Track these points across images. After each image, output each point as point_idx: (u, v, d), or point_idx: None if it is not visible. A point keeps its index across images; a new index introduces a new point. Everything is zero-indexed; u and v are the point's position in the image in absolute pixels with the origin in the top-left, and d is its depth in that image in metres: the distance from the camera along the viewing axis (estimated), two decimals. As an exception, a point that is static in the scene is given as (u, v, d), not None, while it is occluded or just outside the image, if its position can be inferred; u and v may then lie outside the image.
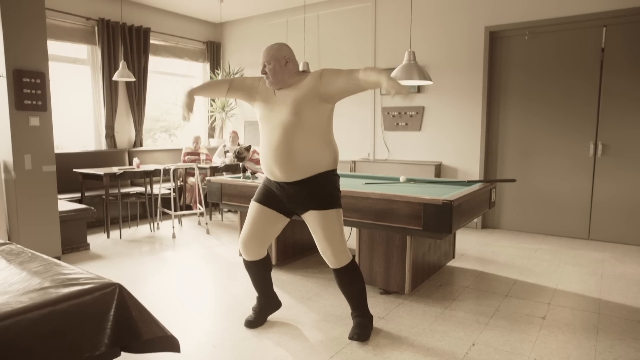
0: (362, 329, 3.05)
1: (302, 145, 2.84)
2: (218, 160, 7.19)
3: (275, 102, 2.93)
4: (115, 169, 6.10)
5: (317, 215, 2.90)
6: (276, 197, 3.02)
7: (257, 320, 3.27)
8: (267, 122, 2.94)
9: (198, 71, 8.84)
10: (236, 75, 8.46)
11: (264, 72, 2.91)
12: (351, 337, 3.02)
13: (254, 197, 3.12)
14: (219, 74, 8.15)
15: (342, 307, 3.59)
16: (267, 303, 3.34)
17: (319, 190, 2.90)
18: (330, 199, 2.92)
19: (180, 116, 3.18)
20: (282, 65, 2.89)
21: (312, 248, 4.94)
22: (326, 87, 2.81)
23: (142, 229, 6.29)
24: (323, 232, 2.91)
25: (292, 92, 2.89)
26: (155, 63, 7.96)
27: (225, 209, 7.44)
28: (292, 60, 2.94)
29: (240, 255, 4.67)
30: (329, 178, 2.95)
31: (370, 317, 3.14)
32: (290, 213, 3.08)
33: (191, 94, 3.04)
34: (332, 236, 2.91)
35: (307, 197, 2.90)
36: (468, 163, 6.25)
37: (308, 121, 2.83)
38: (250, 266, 3.22)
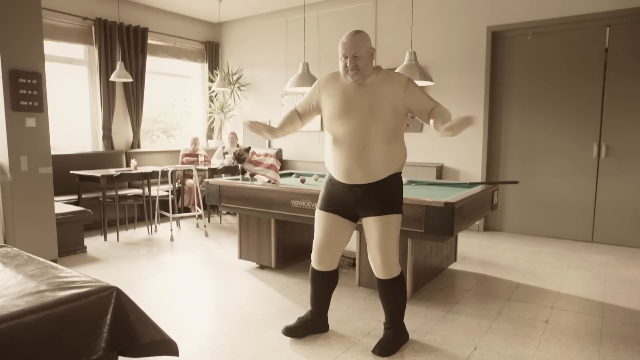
0: (388, 343, 2.93)
1: (383, 143, 2.71)
2: (217, 162, 7.14)
3: (353, 98, 2.75)
4: (112, 171, 6.05)
5: (379, 220, 2.76)
6: (342, 202, 2.85)
7: (297, 330, 3.10)
8: (344, 120, 2.74)
9: (196, 72, 8.80)
10: (235, 76, 8.44)
11: (353, 65, 2.68)
12: (373, 350, 2.90)
13: (319, 205, 2.96)
14: (217, 75, 8.11)
15: (341, 310, 3.55)
16: (316, 321, 3.17)
17: (388, 192, 2.77)
18: (395, 203, 2.80)
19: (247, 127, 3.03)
20: (370, 56, 2.74)
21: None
22: (409, 99, 2.72)
23: (140, 232, 6.25)
24: (379, 237, 2.77)
25: (375, 88, 2.73)
26: (153, 63, 7.92)
27: (224, 212, 7.39)
28: (374, 52, 2.80)
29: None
30: (398, 181, 2.84)
31: (403, 334, 3.02)
32: (355, 218, 2.92)
33: (268, 129, 2.95)
34: (388, 243, 2.78)
35: (376, 199, 2.76)
36: (470, 165, 6.22)
37: (390, 120, 2.70)
38: (319, 277, 3.04)
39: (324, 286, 3.08)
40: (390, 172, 2.78)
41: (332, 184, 2.90)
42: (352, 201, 2.82)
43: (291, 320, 3.30)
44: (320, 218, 2.95)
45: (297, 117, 3.05)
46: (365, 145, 2.69)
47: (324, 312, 3.18)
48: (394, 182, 2.80)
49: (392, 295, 2.91)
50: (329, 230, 2.92)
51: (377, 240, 2.78)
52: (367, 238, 2.85)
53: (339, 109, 2.77)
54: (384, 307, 2.97)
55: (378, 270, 2.85)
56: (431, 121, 2.70)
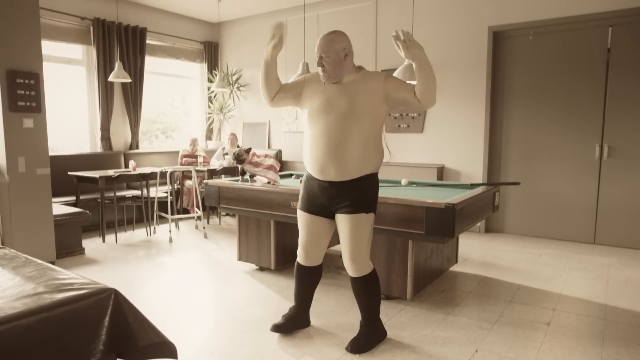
0: (361, 340, 2.97)
1: (360, 143, 2.75)
2: (217, 163, 7.12)
3: (333, 97, 2.80)
4: (111, 172, 6.02)
5: (352, 218, 2.81)
6: (318, 201, 2.91)
7: (285, 326, 3.15)
8: (323, 117, 2.79)
9: (195, 72, 8.78)
10: (234, 76, 8.42)
11: (320, 64, 2.77)
12: (346, 347, 2.94)
13: (299, 204, 3.03)
14: (216, 75, 8.09)
15: (341, 313, 3.53)
16: (300, 316, 3.23)
17: (362, 192, 2.82)
18: (369, 203, 2.85)
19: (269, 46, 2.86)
20: (341, 58, 2.76)
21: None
22: (390, 92, 2.76)
23: (138, 233, 6.22)
24: (352, 235, 2.82)
25: (354, 88, 2.78)
26: (151, 64, 7.89)
27: (223, 213, 7.37)
28: (351, 52, 2.81)
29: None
30: (373, 180, 2.87)
31: (378, 332, 3.05)
32: (333, 215, 2.95)
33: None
34: (357, 241, 2.83)
35: (350, 198, 2.80)
36: (471, 166, 6.20)
37: (368, 120, 2.75)
38: (305, 272, 3.11)
39: (308, 281, 3.15)
40: (365, 172, 2.82)
41: (309, 182, 2.95)
42: (326, 200, 2.87)
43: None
44: (301, 217, 3.02)
45: (278, 85, 2.97)
46: (340, 143, 2.73)
47: (307, 308, 3.24)
48: (368, 182, 2.84)
49: (364, 293, 2.96)
50: (310, 229, 2.99)
51: (347, 238, 2.84)
52: (340, 235, 2.90)
53: (318, 106, 2.82)
54: (357, 304, 3.02)
55: (347, 266, 2.91)
56: (418, 92, 2.71)
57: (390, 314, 3.49)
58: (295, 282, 3.18)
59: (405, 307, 3.64)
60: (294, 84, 2.98)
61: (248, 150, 4.17)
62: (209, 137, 8.93)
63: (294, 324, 3.19)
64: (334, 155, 2.75)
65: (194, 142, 7.29)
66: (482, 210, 3.97)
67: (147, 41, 7.62)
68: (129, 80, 6.54)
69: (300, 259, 3.10)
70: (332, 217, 2.96)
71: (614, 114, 5.39)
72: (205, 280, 4.32)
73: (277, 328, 3.13)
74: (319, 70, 2.82)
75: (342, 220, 2.84)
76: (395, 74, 4.46)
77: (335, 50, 2.74)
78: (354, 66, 2.87)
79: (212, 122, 8.81)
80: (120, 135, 7.45)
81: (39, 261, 2.38)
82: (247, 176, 4.37)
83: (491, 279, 4.35)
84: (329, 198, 2.86)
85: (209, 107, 8.73)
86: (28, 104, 4.41)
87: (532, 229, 6.03)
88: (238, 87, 8.42)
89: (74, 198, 6.07)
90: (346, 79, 2.83)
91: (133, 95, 7.45)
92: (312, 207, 2.94)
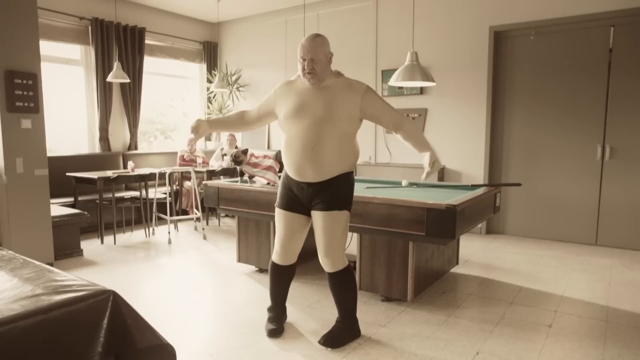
0: (334, 335, 3.03)
1: (335, 145, 2.82)
2: (215, 164, 7.10)
3: (309, 101, 2.85)
4: (109, 173, 5.99)
5: (326, 215, 2.87)
6: (296, 200, 2.98)
7: (280, 328, 3.21)
8: (298, 121, 2.84)
9: (194, 72, 8.76)
10: (233, 77, 8.40)
11: (310, 67, 2.77)
12: (319, 341, 3.00)
13: (277, 203, 3.08)
14: (215, 75, 8.07)
15: (343, 314, 3.50)
16: (281, 312, 3.32)
17: (337, 190, 2.88)
18: (343, 200, 2.91)
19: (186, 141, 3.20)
20: (328, 60, 2.84)
21: (312, 254, 4.84)
22: (366, 107, 2.85)
23: (137, 235, 6.20)
24: (325, 230, 2.89)
25: (332, 93, 2.83)
26: (150, 64, 7.87)
27: (222, 214, 7.35)
28: (332, 55, 2.89)
29: (239, 267, 4.57)
30: (348, 179, 2.94)
31: (353, 330, 3.11)
32: (309, 211, 3.02)
33: (201, 125, 3.10)
34: (332, 237, 2.89)
35: (325, 195, 2.87)
36: (472, 167, 6.18)
37: (344, 124, 2.82)
38: (280, 271, 3.18)
39: (283, 279, 3.22)
40: (340, 171, 2.89)
41: (288, 181, 3.02)
42: (304, 198, 2.95)
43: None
44: (279, 215, 3.07)
45: (249, 116, 3.18)
46: (316, 145, 2.79)
47: (283, 302, 3.32)
48: (343, 180, 2.91)
49: (340, 288, 3.02)
50: (287, 225, 3.05)
51: (321, 233, 2.90)
52: (315, 231, 2.96)
53: (294, 109, 2.88)
54: (334, 300, 3.08)
55: (322, 261, 2.98)
56: (399, 135, 2.97)
57: (390, 316, 3.48)
58: (270, 282, 3.25)
59: (405, 309, 3.62)
60: (266, 105, 3.09)
61: (245, 152, 4.15)
62: (208, 138, 8.91)
63: (282, 321, 3.30)
64: (310, 157, 2.81)
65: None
66: (483, 211, 3.96)
67: (146, 41, 7.60)
68: (127, 80, 6.52)
69: (275, 257, 3.15)
70: (308, 214, 3.02)
71: (615, 114, 5.38)
72: (205, 282, 4.30)
73: (275, 332, 3.16)
74: (304, 73, 2.82)
75: (317, 217, 2.91)
76: (395, 74, 4.44)
77: (324, 53, 2.81)
78: (332, 70, 2.92)
79: (211, 123, 8.76)
80: (119, 136, 7.43)
81: (37, 263, 2.36)
82: (246, 177, 4.35)
83: (492, 280, 4.34)
84: (307, 197, 2.93)
85: (208, 107, 8.70)
86: (26, 104, 4.39)
87: (533, 230, 6.02)
88: (237, 88, 8.40)
89: (72, 199, 6.04)
90: (325, 83, 2.88)
91: (132, 95, 7.42)
92: (289, 205, 3.01)
